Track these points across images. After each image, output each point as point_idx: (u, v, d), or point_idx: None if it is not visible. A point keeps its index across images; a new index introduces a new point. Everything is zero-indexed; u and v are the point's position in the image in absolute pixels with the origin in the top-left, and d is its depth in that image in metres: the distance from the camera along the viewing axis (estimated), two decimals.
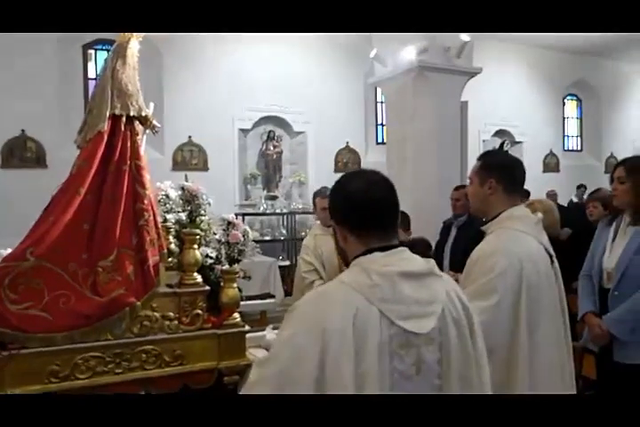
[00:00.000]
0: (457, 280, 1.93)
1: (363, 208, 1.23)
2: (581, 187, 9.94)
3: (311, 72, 8.45)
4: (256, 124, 8.29)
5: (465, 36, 4.29)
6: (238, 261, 2.50)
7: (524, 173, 2.00)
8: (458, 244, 3.80)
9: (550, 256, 1.86)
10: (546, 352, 1.74)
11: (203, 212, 2.74)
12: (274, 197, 8.18)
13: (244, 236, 2.46)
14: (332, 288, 1.20)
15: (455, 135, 4.58)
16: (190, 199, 2.54)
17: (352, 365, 1.08)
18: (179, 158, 7.65)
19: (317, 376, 1.08)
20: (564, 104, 11.95)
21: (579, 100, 12.28)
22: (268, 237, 7.94)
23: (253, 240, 6.72)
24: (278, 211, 8.05)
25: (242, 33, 7.85)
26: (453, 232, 3.89)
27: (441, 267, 3.96)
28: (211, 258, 2.66)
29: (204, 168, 7.80)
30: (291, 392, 1.08)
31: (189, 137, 7.69)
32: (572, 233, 4.49)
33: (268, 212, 8.03)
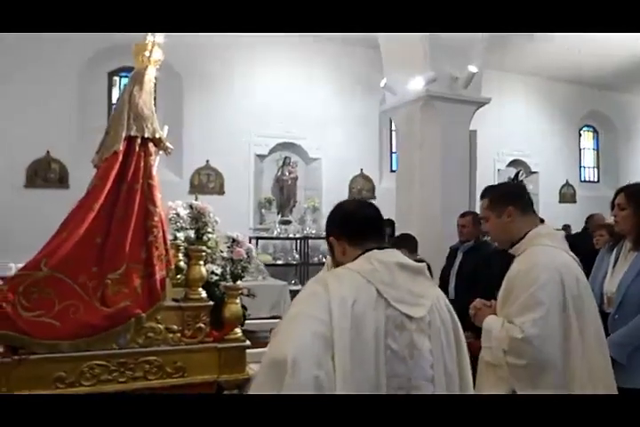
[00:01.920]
0: (490, 306, 2.01)
1: (358, 219, 1.44)
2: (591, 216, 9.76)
3: (327, 100, 8.67)
4: (272, 150, 8.48)
5: (473, 68, 4.42)
6: (242, 277, 2.58)
7: (528, 191, 2.11)
8: (463, 269, 3.84)
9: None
10: (597, 359, 1.80)
11: (210, 229, 2.85)
12: (288, 222, 8.28)
13: (247, 253, 2.55)
14: (338, 271, 1.35)
15: (463, 163, 4.67)
16: (198, 217, 2.65)
17: (351, 335, 1.18)
18: (196, 182, 7.84)
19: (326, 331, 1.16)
20: (580, 135, 11.97)
21: (595, 131, 12.30)
22: (280, 262, 8.01)
23: (266, 264, 6.83)
24: (292, 235, 8.14)
25: (259, 52, 8.14)
26: (459, 257, 3.93)
27: (447, 291, 4.01)
28: (216, 275, 2.75)
29: (221, 192, 7.97)
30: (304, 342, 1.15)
31: (207, 161, 7.89)
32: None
33: (281, 236, 8.12)
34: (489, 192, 2.09)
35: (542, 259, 1.83)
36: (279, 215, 8.40)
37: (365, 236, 1.39)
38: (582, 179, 12.03)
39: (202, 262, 2.61)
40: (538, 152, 10.99)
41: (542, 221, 6.29)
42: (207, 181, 7.89)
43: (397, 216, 4.98)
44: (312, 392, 1.10)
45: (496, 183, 2.25)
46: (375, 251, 1.34)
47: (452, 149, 4.58)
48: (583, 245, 3.79)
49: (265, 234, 8.12)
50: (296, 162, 8.70)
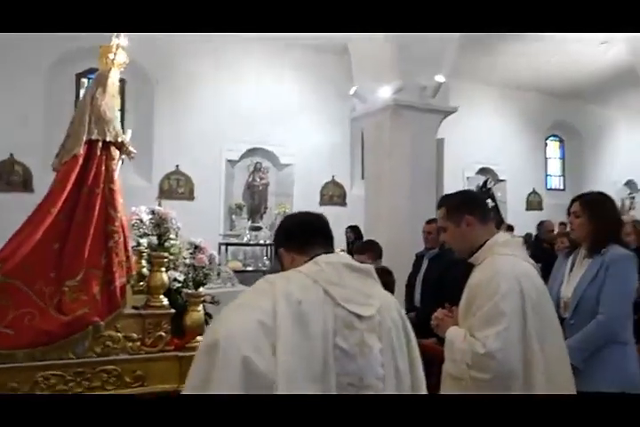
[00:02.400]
0: (452, 316, 2.01)
1: (304, 229, 1.47)
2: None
3: (299, 106, 8.69)
4: (243, 156, 8.45)
5: (440, 77, 4.49)
6: (204, 284, 2.55)
7: (485, 199, 2.11)
8: (429, 275, 3.87)
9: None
10: (557, 365, 1.81)
11: (173, 235, 2.81)
12: (258, 228, 8.25)
13: (210, 260, 2.52)
14: (286, 273, 1.35)
15: (431, 171, 4.73)
16: (160, 223, 2.61)
17: (297, 333, 1.16)
18: (165, 187, 7.74)
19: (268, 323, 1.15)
20: (546, 144, 12.27)
21: (561, 140, 12.62)
22: (250, 268, 7.96)
23: (236, 271, 6.75)
24: (262, 242, 8.10)
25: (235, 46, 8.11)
26: (425, 264, 3.96)
27: (413, 297, 4.04)
28: (179, 282, 2.70)
29: (190, 197, 7.89)
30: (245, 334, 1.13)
31: (177, 166, 7.81)
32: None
33: (251, 242, 8.08)
34: (445, 201, 2.06)
35: (502, 268, 1.82)
36: (250, 221, 8.36)
37: (312, 243, 1.41)
38: (548, 187, 12.32)
39: (163, 269, 2.57)
40: (506, 160, 11.22)
41: (511, 228, 6.39)
42: (177, 187, 7.81)
43: (366, 223, 5.01)
44: (241, 374, 1.08)
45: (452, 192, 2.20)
46: (323, 255, 1.35)
47: (420, 156, 4.63)
48: (535, 250, 3.88)
49: (235, 240, 8.06)
50: (267, 168, 8.69)
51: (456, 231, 1.98)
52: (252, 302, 1.22)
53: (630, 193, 13.14)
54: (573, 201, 2.54)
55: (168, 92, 7.79)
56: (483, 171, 11.09)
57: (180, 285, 2.74)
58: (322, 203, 9.01)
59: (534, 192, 11.60)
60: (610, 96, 11.52)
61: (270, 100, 8.45)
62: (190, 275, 2.60)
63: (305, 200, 8.79)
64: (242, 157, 8.43)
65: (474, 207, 1.98)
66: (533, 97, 11.48)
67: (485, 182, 11.13)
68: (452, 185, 10.37)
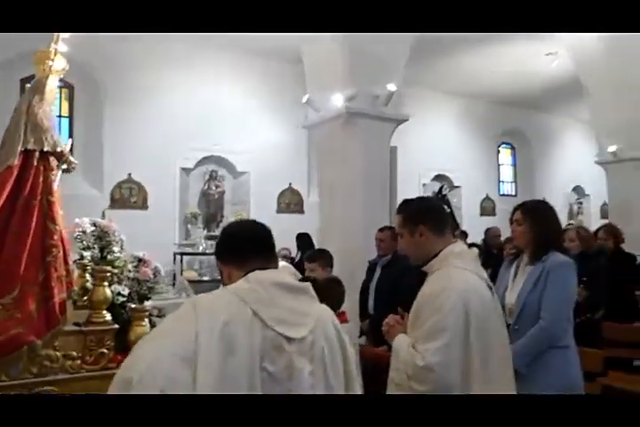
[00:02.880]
0: (402, 318, 2.00)
1: (240, 241, 1.41)
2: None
3: (255, 114, 8.64)
4: (198, 164, 8.32)
5: (392, 86, 4.55)
6: (148, 298, 2.47)
7: (444, 209, 2.10)
8: (382, 282, 3.90)
9: (490, 288, 1.94)
10: (498, 382, 1.80)
11: (118, 248, 2.72)
12: (214, 237, 8.11)
13: (154, 273, 2.45)
14: (214, 292, 1.32)
15: (383, 179, 4.76)
16: (102, 235, 2.52)
17: (220, 356, 1.13)
18: (117, 196, 7.53)
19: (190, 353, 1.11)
20: (498, 151, 12.61)
21: (513, 148, 13.01)
22: (206, 278, 7.82)
23: (191, 281, 6.61)
24: None
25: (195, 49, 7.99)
26: (378, 271, 3.98)
27: (367, 304, 4.05)
28: (123, 296, 2.62)
29: (144, 206, 7.70)
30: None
31: (129, 174, 7.62)
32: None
33: (207, 252, 7.94)
34: (403, 209, 2.05)
35: (450, 283, 1.81)
36: (205, 230, 8.23)
37: (248, 257, 1.36)
38: (501, 193, 12.66)
39: (106, 283, 2.49)
40: (460, 167, 11.47)
41: (466, 234, 6.47)
42: (129, 196, 7.61)
43: (321, 230, 5.01)
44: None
45: (414, 197, 2.18)
46: (257, 271, 1.30)
47: (373, 164, 4.66)
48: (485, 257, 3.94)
49: (190, 250, 7.92)
50: (223, 176, 8.59)
51: (410, 240, 1.99)
52: (171, 330, 1.18)
53: (578, 199, 13.65)
54: (515, 209, 2.60)
55: (119, 98, 7.60)
56: (438, 177, 11.30)
57: (124, 299, 2.65)
58: (279, 210, 8.97)
59: (488, 198, 11.89)
60: (557, 105, 11.97)
61: (225, 107, 8.37)
62: (135, 289, 2.51)
63: (262, 208, 8.73)
64: (197, 164, 8.30)
65: (428, 218, 1.97)
66: (486, 105, 11.81)
67: (441, 189, 11.32)
68: (408, 192, 10.51)
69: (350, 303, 4.27)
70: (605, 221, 8.01)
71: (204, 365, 1.10)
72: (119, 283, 2.65)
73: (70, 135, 7.49)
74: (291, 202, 9.11)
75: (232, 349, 1.14)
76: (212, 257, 8.08)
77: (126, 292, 2.62)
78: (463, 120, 11.62)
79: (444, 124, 11.36)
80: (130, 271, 2.64)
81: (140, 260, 2.47)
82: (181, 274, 7.48)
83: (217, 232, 8.30)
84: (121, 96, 7.60)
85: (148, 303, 2.62)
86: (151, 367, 1.08)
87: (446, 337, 1.71)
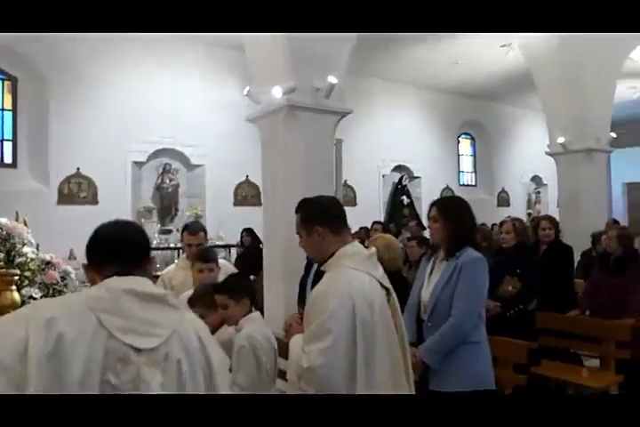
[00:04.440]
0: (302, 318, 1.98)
1: (100, 242, 1.34)
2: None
3: (209, 105, 8.50)
4: (151, 157, 8.16)
5: (332, 78, 4.50)
6: None
7: (341, 207, 2.06)
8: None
9: (387, 289, 1.92)
10: (383, 385, 1.78)
11: (32, 250, 2.63)
12: (168, 231, 8.02)
13: (63, 276, 2.38)
14: (65, 296, 1.30)
15: (328, 172, 4.73)
16: (6, 238, 2.43)
17: (51, 365, 1.08)
18: (65, 191, 7.34)
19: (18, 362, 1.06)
20: (458, 142, 12.73)
21: (472, 138, 13.15)
22: (160, 273, 7.69)
23: None
24: (172, 245, 7.88)
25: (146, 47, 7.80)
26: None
27: (304, 300, 4.03)
28: (35, 299, 2.54)
29: (94, 201, 7.53)
30: None
31: (78, 169, 7.42)
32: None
33: (161, 246, 7.83)
34: (299, 210, 2.02)
35: (337, 284, 1.80)
36: (159, 225, 8.11)
37: (105, 261, 1.30)
38: (461, 183, 12.80)
39: (14, 287, 2.41)
40: (420, 158, 11.55)
41: (422, 225, 6.50)
42: (78, 190, 7.41)
43: (265, 224, 4.97)
44: None
45: (312, 197, 2.14)
46: (114, 277, 1.25)
47: (316, 158, 4.62)
48: None
49: None
50: (177, 169, 8.45)
51: (308, 240, 1.96)
52: (4, 329, 1.11)
53: (536, 188, 13.92)
54: (431, 206, 2.60)
55: (65, 91, 7.37)
56: (398, 168, 11.36)
57: None
58: (236, 203, 8.89)
59: (448, 188, 12.00)
60: (514, 96, 12.13)
61: (177, 99, 8.22)
62: (45, 293, 2.44)
63: (218, 201, 8.64)
64: (149, 158, 8.13)
65: (324, 219, 1.95)
66: (446, 97, 11.88)
67: (401, 179, 11.43)
68: (368, 183, 10.64)
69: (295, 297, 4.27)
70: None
71: (34, 379, 1.05)
72: (31, 286, 2.56)
73: (14, 129, 7.26)
74: (247, 194, 9.03)
75: (67, 360, 1.09)
76: (167, 251, 8.03)
77: (39, 295, 2.54)
78: (423, 111, 11.68)
79: (406, 114, 11.40)
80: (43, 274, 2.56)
81: (47, 263, 2.38)
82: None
83: (172, 226, 8.20)
84: (67, 88, 7.38)
85: None
86: None
87: (330, 339, 1.70)
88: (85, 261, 1.37)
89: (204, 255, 3.05)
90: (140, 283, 1.28)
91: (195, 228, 3.67)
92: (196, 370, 1.27)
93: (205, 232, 3.67)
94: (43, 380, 1.06)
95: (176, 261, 4.97)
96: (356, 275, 1.84)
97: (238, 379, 2.33)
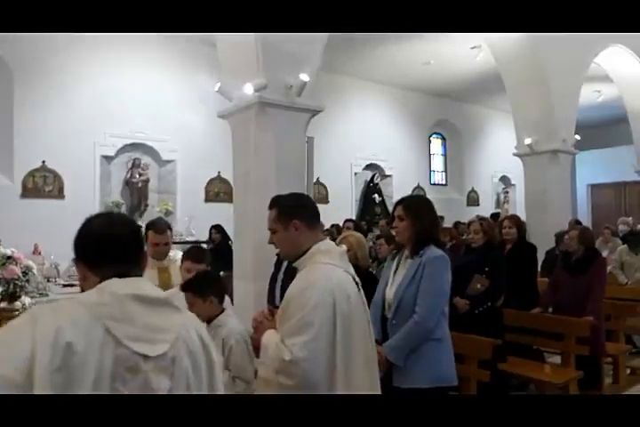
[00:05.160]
0: (272, 314, 1.98)
1: (96, 240, 1.25)
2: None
3: (181, 100, 8.41)
4: (120, 151, 8.03)
5: (304, 76, 4.50)
6: (18, 297, 2.36)
7: (315, 204, 2.08)
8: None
9: (357, 284, 1.95)
10: (359, 376, 1.83)
11: None
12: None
13: (25, 271, 2.33)
14: (61, 303, 1.17)
15: (299, 170, 4.73)
16: None
17: (61, 378, 1.03)
18: (29, 185, 7.16)
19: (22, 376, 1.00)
20: (430, 141, 12.88)
21: (443, 138, 13.32)
22: None
23: None
24: None
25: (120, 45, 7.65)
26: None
27: (274, 296, 4.04)
28: None
29: (60, 196, 7.37)
30: None
31: (43, 162, 7.25)
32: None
33: None
34: (277, 203, 2.02)
35: (318, 279, 1.83)
36: None
37: (103, 260, 1.23)
38: (432, 182, 12.96)
39: None
40: (392, 156, 11.65)
41: (339, 229, 6.48)
42: (43, 184, 7.24)
43: (235, 221, 4.94)
44: None
45: (285, 193, 2.15)
46: (114, 280, 1.19)
47: (288, 155, 4.62)
48: None
49: None
50: (148, 164, 8.33)
51: (285, 235, 1.96)
52: (7, 342, 1.04)
53: (505, 188, 14.20)
54: (397, 205, 2.63)
55: (31, 80, 7.19)
56: (370, 166, 11.44)
57: None
58: (207, 199, 8.82)
59: (419, 187, 12.14)
60: (482, 97, 12.35)
61: (149, 94, 8.11)
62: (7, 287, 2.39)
63: (189, 197, 8.57)
64: (118, 152, 8.00)
65: (303, 212, 1.98)
66: (417, 96, 12.01)
67: (373, 178, 11.51)
68: (340, 181, 10.68)
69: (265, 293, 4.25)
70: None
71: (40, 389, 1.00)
72: None
73: None
74: (220, 191, 8.97)
75: (77, 372, 1.04)
76: None
77: None
78: (395, 110, 11.78)
79: (378, 113, 11.48)
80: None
81: (8, 257, 2.33)
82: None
83: (141, 222, 8.07)
84: (33, 78, 7.20)
85: (28, 301, 2.50)
86: None
87: (312, 332, 1.73)
88: (73, 256, 1.28)
89: (198, 256, 2.95)
90: (141, 286, 1.22)
91: (161, 226, 3.50)
92: (200, 371, 1.25)
93: (171, 230, 3.59)
94: (50, 385, 1.01)
95: None
96: (334, 270, 1.88)
97: (245, 375, 2.41)
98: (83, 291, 1.25)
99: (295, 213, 1.97)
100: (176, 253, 3.45)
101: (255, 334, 2.04)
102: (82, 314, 1.10)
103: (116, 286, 1.17)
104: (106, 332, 1.10)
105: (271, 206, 2.03)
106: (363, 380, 1.84)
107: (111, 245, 1.24)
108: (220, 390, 1.34)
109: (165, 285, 3.14)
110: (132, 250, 1.28)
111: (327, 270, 1.87)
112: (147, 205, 8.24)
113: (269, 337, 1.88)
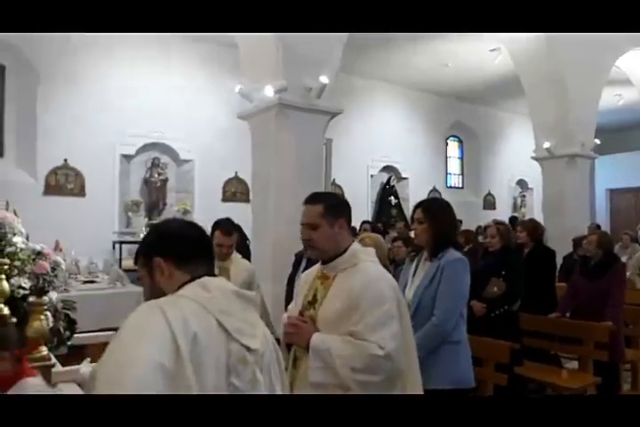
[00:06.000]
0: (306, 322, 1.98)
1: (190, 240, 1.31)
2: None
3: (200, 101, 8.50)
4: (140, 151, 8.14)
5: (324, 78, 4.55)
6: (46, 292, 2.42)
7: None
8: None
9: None
10: (414, 360, 2.00)
11: (21, 240, 2.64)
12: None
13: (53, 267, 2.39)
14: (170, 299, 1.19)
15: (318, 171, 4.78)
16: None
17: (191, 369, 1.05)
18: (52, 182, 7.29)
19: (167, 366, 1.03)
20: (446, 144, 12.84)
21: (460, 141, 13.27)
22: None
23: (129, 270, 6.39)
24: None
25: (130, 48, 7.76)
26: (303, 264, 4.00)
27: (291, 297, 4.08)
28: (24, 289, 2.55)
29: (81, 194, 7.50)
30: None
31: (65, 160, 7.38)
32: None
33: None
34: (323, 200, 1.98)
35: (378, 274, 1.90)
36: (147, 218, 8.09)
37: (196, 259, 1.27)
38: (448, 185, 12.91)
39: (2, 276, 2.41)
40: (408, 159, 11.63)
41: (409, 227, 6.53)
42: (65, 182, 7.38)
43: (253, 222, 5.00)
44: None
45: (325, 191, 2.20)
46: (210, 278, 1.23)
47: (307, 156, 4.67)
48: None
49: (131, 238, 7.76)
50: (166, 163, 8.43)
51: (329, 232, 1.93)
52: (145, 353, 1.02)
53: (521, 192, 14.09)
54: (416, 208, 2.65)
55: (54, 80, 7.33)
56: (386, 169, 11.43)
57: (26, 292, 2.58)
58: (224, 199, 8.90)
59: (435, 190, 12.11)
60: (500, 100, 12.27)
61: (169, 94, 8.21)
62: (34, 282, 2.45)
63: (207, 196, 8.65)
64: (138, 151, 8.12)
65: (348, 212, 2.02)
66: (435, 98, 11.98)
67: (389, 180, 11.51)
68: (357, 183, 10.70)
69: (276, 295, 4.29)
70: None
71: (182, 382, 1.03)
72: (20, 276, 2.57)
73: (1, 118, 7.20)
74: (237, 191, 9.04)
75: (202, 365, 1.07)
76: None
77: (28, 285, 2.55)
78: (413, 112, 11.77)
79: (394, 115, 11.47)
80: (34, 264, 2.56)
81: (38, 253, 2.40)
82: (120, 262, 7.35)
83: (159, 220, 8.18)
84: (56, 79, 7.34)
85: (55, 296, 2.56)
86: (142, 380, 1.00)
87: (395, 324, 1.81)
88: (138, 255, 1.33)
89: (227, 229, 3.08)
90: (229, 283, 1.28)
91: (228, 228, 3.31)
92: (275, 366, 1.30)
93: (239, 231, 3.46)
94: (192, 386, 1.03)
95: None
96: (380, 266, 1.97)
97: None
98: (160, 289, 1.27)
99: (342, 212, 1.99)
100: (236, 255, 3.42)
101: (292, 338, 1.93)
102: (196, 308, 1.14)
103: (217, 282, 1.23)
104: (218, 325, 1.14)
105: (314, 202, 1.98)
106: (415, 363, 1.97)
107: (202, 245, 1.32)
108: (287, 387, 1.40)
109: None
110: (211, 252, 1.37)
111: (379, 267, 1.95)
112: (165, 204, 8.34)
113: (326, 339, 1.82)
